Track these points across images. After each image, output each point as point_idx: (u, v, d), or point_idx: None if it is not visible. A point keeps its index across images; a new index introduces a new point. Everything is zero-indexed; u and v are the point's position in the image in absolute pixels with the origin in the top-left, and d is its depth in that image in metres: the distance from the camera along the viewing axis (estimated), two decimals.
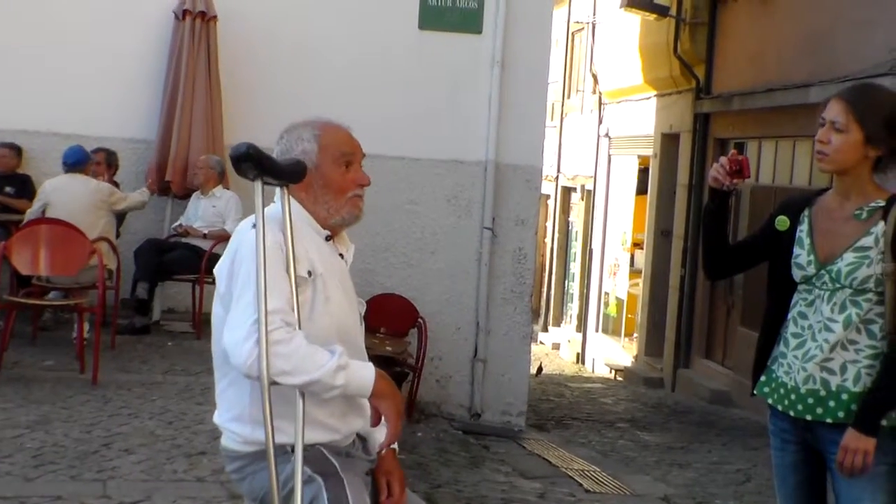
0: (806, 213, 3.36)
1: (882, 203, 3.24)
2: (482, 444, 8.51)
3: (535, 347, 15.91)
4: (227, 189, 8.68)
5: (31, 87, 8.91)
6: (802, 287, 3.32)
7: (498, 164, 9.32)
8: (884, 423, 3.18)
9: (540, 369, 13.76)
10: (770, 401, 3.39)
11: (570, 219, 21.54)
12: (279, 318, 2.68)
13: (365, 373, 2.78)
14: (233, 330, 2.72)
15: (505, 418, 9.46)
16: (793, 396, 3.30)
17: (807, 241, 3.32)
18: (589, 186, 19.48)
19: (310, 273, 2.82)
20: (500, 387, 9.47)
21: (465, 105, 9.32)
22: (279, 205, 2.82)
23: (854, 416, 3.18)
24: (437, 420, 8.94)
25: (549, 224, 21.98)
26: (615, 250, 18.19)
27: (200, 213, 8.64)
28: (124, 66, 9.04)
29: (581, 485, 7.57)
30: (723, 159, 3.37)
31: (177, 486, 4.89)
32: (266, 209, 2.81)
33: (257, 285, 2.68)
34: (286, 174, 2.79)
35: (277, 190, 2.82)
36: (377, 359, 7.81)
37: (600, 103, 18.72)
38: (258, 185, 2.75)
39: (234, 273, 2.79)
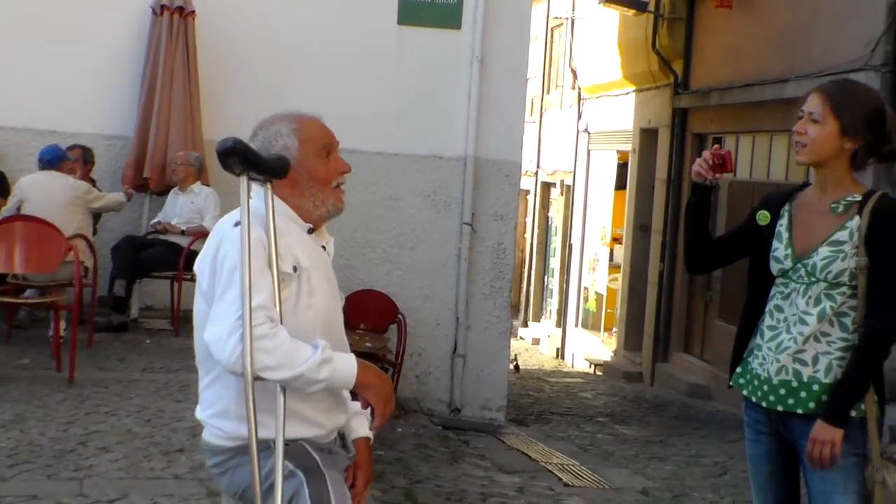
0: (786, 207, 3.40)
1: (859, 197, 3.28)
2: (462, 440, 8.52)
3: (514, 343, 15.94)
4: (206, 185, 8.64)
5: (5, 82, 8.85)
6: (780, 280, 3.35)
7: (477, 160, 9.32)
8: (853, 414, 3.22)
9: (517, 367, 13.73)
10: (745, 392, 3.43)
11: (550, 214, 21.56)
12: (263, 313, 2.70)
13: (348, 365, 2.80)
14: (216, 325, 2.73)
15: (484, 413, 9.48)
16: (765, 388, 3.33)
17: (785, 235, 3.35)
18: (568, 181, 19.51)
19: (295, 268, 2.84)
20: (480, 382, 9.49)
21: (444, 100, 9.32)
22: (260, 201, 2.82)
23: (823, 408, 3.21)
24: (416, 415, 8.94)
25: (529, 219, 22.01)
26: (594, 245, 18.23)
27: (178, 209, 8.61)
28: (101, 62, 8.99)
29: (560, 479, 7.59)
30: (706, 153, 3.40)
31: (154, 484, 4.87)
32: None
33: (242, 281, 2.69)
34: (271, 169, 2.79)
35: (255, 185, 2.82)
36: (357, 355, 7.82)
37: (579, 99, 18.75)
38: (244, 180, 2.75)
39: (216, 269, 2.80)
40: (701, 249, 3.54)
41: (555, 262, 20.60)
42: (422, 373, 9.36)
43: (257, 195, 2.84)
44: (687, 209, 3.52)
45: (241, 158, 2.72)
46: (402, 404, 8.98)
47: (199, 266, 2.88)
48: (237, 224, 2.77)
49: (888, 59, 9.54)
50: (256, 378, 2.69)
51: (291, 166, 2.85)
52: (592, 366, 16.61)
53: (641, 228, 15.79)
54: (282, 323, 2.75)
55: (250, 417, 2.72)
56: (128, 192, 8.65)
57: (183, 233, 8.43)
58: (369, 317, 8.99)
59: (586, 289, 18.51)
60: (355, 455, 3.01)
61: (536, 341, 20.31)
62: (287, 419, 2.79)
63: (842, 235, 3.25)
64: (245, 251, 2.70)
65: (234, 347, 2.68)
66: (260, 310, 2.69)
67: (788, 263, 3.32)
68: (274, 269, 2.76)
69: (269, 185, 2.81)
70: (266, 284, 2.74)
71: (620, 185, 17.07)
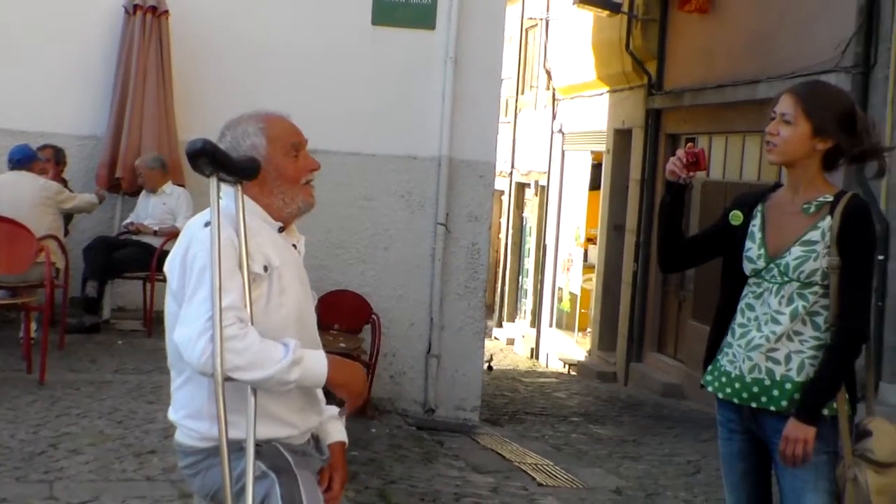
0: (759, 207, 3.42)
1: (830, 198, 3.31)
2: (436, 440, 8.51)
3: (489, 343, 15.96)
4: (179, 185, 8.60)
5: None
6: (752, 280, 3.38)
7: (451, 160, 9.32)
8: (825, 412, 3.24)
9: (489, 367, 13.73)
10: (711, 388, 3.45)
11: (524, 214, 21.60)
12: (233, 314, 2.69)
13: (318, 364, 2.80)
14: (186, 326, 2.72)
15: (459, 413, 9.48)
16: (737, 385, 3.35)
17: (758, 235, 3.38)
18: (543, 182, 19.55)
19: (266, 268, 2.83)
20: (454, 382, 9.48)
21: (418, 101, 9.31)
22: (230, 201, 2.81)
23: (796, 406, 3.23)
24: (390, 416, 8.92)
25: (503, 220, 22.03)
26: (569, 245, 18.27)
27: (151, 210, 8.56)
28: (73, 62, 8.93)
29: (534, 478, 7.60)
30: (679, 152, 3.42)
31: (126, 486, 4.84)
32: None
33: (212, 282, 2.68)
34: (241, 171, 2.78)
35: (225, 186, 2.81)
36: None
37: (554, 99, 18.79)
38: (213, 181, 2.75)
39: (186, 270, 2.79)
40: (674, 248, 3.56)
41: (529, 263, 20.64)
42: (396, 373, 9.35)
43: (227, 195, 2.83)
44: (661, 208, 3.53)
45: (211, 159, 2.71)
46: (377, 405, 8.96)
47: (168, 267, 2.87)
48: (207, 224, 2.77)
49: (858, 61, 9.62)
50: (227, 379, 2.68)
51: (261, 166, 2.85)
52: (567, 366, 16.65)
53: (615, 229, 15.84)
54: (253, 323, 2.74)
55: (220, 418, 2.71)
56: (100, 193, 8.60)
57: (155, 233, 8.39)
58: (343, 317, 8.97)
59: (560, 289, 18.55)
60: (330, 458, 3.00)
61: (511, 341, 20.34)
62: (260, 419, 2.79)
63: (814, 235, 3.28)
64: (215, 252, 2.69)
65: (203, 348, 2.67)
66: (230, 310, 2.68)
67: (761, 263, 3.34)
68: (244, 269, 2.75)
69: (239, 187, 2.80)
70: (236, 285, 2.73)
71: (594, 185, 17.13)
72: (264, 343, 2.72)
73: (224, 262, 2.70)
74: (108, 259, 8.28)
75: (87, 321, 8.14)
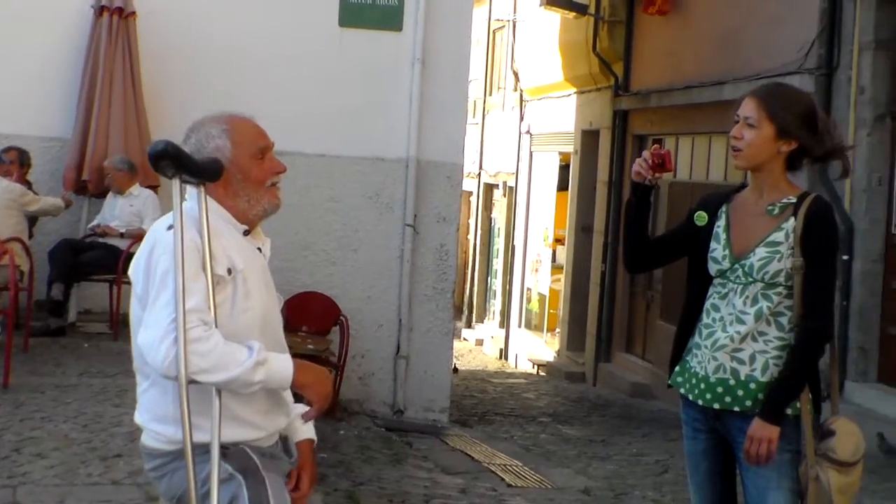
0: (724, 208, 3.45)
1: (793, 199, 3.34)
2: (405, 441, 8.51)
3: (458, 344, 15.97)
4: (147, 187, 8.54)
5: None
6: (717, 281, 3.40)
7: (419, 162, 9.32)
8: (788, 412, 3.27)
9: (455, 369, 13.68)
10: (682, 390, 3.47)
11: (493, 215, 21.63)
12: (197, 317, 2.69)
13: (283, 366, 2.80)
14: (149, 330, 2.72)
15: (428, 415, 9.48)
16: (703, 386, 3.38)
17: (723, 236, 3.40)
18: (511, 183, 19.58)
19: (229, 271, 2.83)
20: (423, 383, 9.49)
21: (385, 102, 9.31)
22: (194, 203, 2.80)
23: (760, 405, 3.26)
24: (359, 417, 8.92)
25: (472, 221, 22.05)
26: (537, 246, 18.31)
27: (117, 212, 8.50)
28: (39, 63, 8.86)
29: (503, 479, 7.62)
30: (646, 153, 3.44)
31: (92, 490, 4.80)
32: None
33: (175, 284, 2.67)
34: (204, 172, 2.78)
35: (190, 188, 2.80)
36: (299, 358, 7.78)
37: (521, 100, 18.83)
38: (176, 182, 2.74)
39: (149, 273, 2.78)
40: (640, 249, 3.58)
41: (498, 264, 20.66)
42: (364, 374, 9.34)
43: (192, 197, 2.82)
44: (626, 208, 3.55)
45: (173, 161, 2.70)
46: (345, 406, 8.96)
47: (132, 270, 2.86)
48: (170, 227, 2.76)
49: (821, 63, 9.71)
50: (191, 381, 2.68)
51: (225, 167, 2.84)
52: (536, 366, 16.69)
53: (584, 229, 15.89)
54: (217, 326, 2.73)
55: (184, 421, 2.71)
56: (66, 198, 8.53)
57: (122, 235, 8.33)
58: (312, 319, 8.95)
59: (529, 290, 18.59)
60: (298, 456, 3.00)
61: (480, 342, 20.35)
62: (226, 422, 2.78)
63: (778, 236, 3.31)
64: (178, 254, 2.69)
65: (167, 351, 2.66)
66: (193, 313, 2.68)
67: (726, 264, 3.37)
68: (208, 271, 2.75)
69: (202, 189, 2.79)
70: (200, 287, 2.73)
71: (563, 186, 17.18)
72: (228, 345, 2.72)
73: (187, 265, 2.69)
74: (74, 262, 8.22)
75: (53, 324, 8.07)
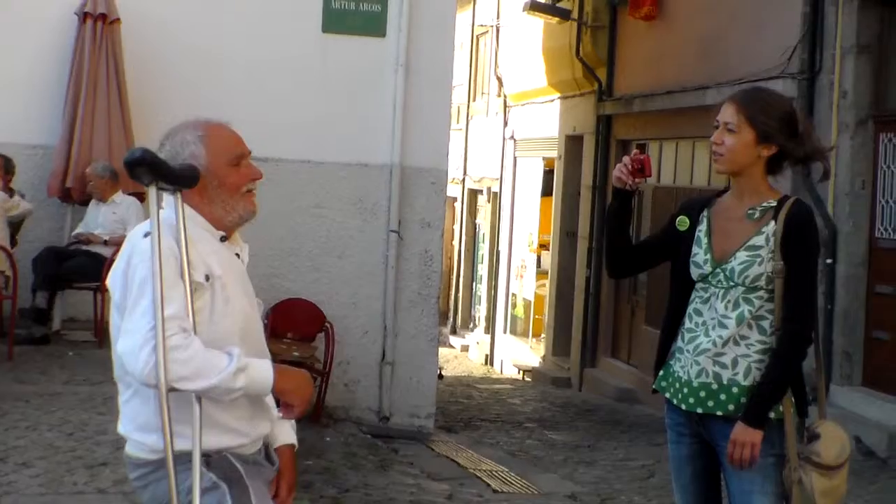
0: (705, 213, 3.46)
1: (774, 203, 3.35)
2: (391, 448, 8.50)
3: (443, 350, 15.95)
4: (130, 195, 8.51)
5: None
6: (699, 285, 3.42)
7: (403, 167, 9.32)
8: (771, 415, 3.29)
9: (440, 375, 13.67)
10: (667, 395, 3.48)
11: (477, 221, 21.64)
12: (176, 324, 2.68)
13: (263, 371, 2.79)
14: (128, 338, 2.71)
15: (413, 421, 9.47)
16: (685, 390, 3.39)
17: (705, 240, 3.41)
18: (495, 188, 19.60)
19: (207, 277, 2.82)
20: (409, 389, 9.47)
21: (369, 108, 9.30)
22: (171, 210, 2.80)
23: (743, 409, 3.27)
24: (345, 424, 8.90)
25: (456, 226, 22.07)
26: (522, 252, 18.33)
27: (100, 220, 8.47)
28: (23, 71, 8.83)
29: (489, 485, 7.62)
30: (626, 159, 3.46)
31: (77, 499, 4.79)
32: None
33: (154, 292, 2.67)
34: (180, 179, 2.78)
35: (167, 195, 2.80)
36: (285, 364, 7.77)
37: (505, 106, 18.86)
38: (153, 190, 2.74)
39: (127, 281, 2.77)
40: (622, 253, 3.59)
41: (483, 269, 20.67)
42: (350, 381, 9.33)
43: (169, 204, 2.82)
44: (608, 213, 3.57)
45: (150, 169, 2.71)
46: (331, 413, 8.94)
47: (111, 279, 2.85)
48: (147, 235, 2.76)
49: (804, 67, 9.77)
50: (171, 389, 2.67)
51: (201, 174, 2.84)
52: (521, 372, 16.69)
53: (568, 235, 15.92)
54: (196, 333, 2.73)
55: (165, 429, 2.70)
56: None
57: (105, 243, 8.30)
58: (296, 325, 8.93)
59: (514, 295, 18.60)
60: (278, 462, 3.00)
61: (465, 348, 20.36)
62: (209, 429, 2.78)
63: (758, 240, 3.32)
64: (156, 262, 2.68)
65: (146, 359, 2.65)
66: (172, 320, 2.67)
67: (708, 268, 3.38)
68: (186, 278, 2.74)
69: (179, 196, 2.79)
70: (178, 294, 2.72)
71: (547, 191, 17.21)
72: (208, 352, 2.71)
73: (165, 272, 2.69)
74: (58, 269, 8.19)
75: (37, 332, 8.03)
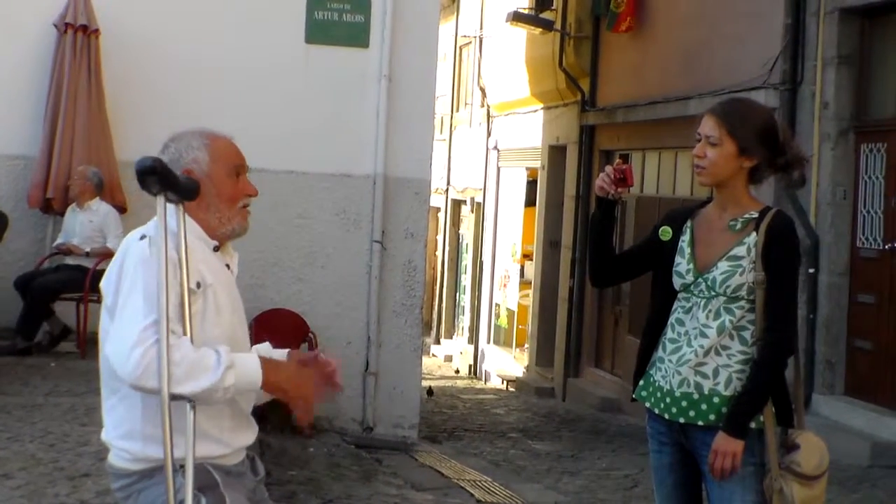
0: (688, 224, 3.48)
1: (755, 214, 3.37)
2: (375, 458, 8.48)
3: (427, 360, 15.95)
4: (114, 207, 8.48)
5: None
6: (682, 295, 3.43)
7: (387, 178, 9.32)
8: (752, 425, 3.30)
9: (430, 391, 13.67)
10: (647, 404, 3.50)
11: (461, 231, 21.67)
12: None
13: (251, 366, 2.78)
14: (117, 340, 2.70)
15: (397, 431, 9.45)
16: (668, 400, 3.40)
17: (687, 250, 3.43)
18: (479, 199, 19.63)
19: (199, 285, 2.82)
20: (392, 400, 9.46)
21: (352, 119, 9.30)
22: (171, 219, 2.80)
23: (724, 419, 3.28)
24: (329, 435, 8.87)
25: (440, 236, 22.09)
26: (505, 262, 18.36)
27: (78, 228, 8.41)
28: (2, 80, 8.79)
29: (473, 495, 7.61)
30: (608, 168, 3.48)
31: None
32: (149, 222, 2.82)
33: (158, 302, 2.67)
34: (185, 191, 2.79)
35: (158, 203, 2.79)
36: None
37: (489, 116, 18.90)
38: (161, 199, 2.75)
39: (120, 283, 2.77)
40: (604, 263, 3.60)
41: (466, 279, 20.69)
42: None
43: (168, 212, 2.82)
44: (591, 223, 3.59)
45: (160, 178, 2.72)
46: (314, 423, 8.90)
47: (104, 283, 2.85)
48: (143, 237, 2.78)
49: (786, 78, 9.83)
50: (172, 397, 2.66)
51: (199, 179, 2.86)
52: (505, 382, 16.70)
53: (551, 244, 15.95)
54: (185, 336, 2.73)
55: (167, 436, 2.68)
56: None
57: (87, 254, 8.26)
58: (280, 335, 8.85)
59: (498, 305, 18.62)
60: (289, 358, 2.98)
61: (449, 358, 20.35)
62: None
63: (740, 251, 3.34)
64: (162, 271, 2.69)
65: (137, 360, 2.63)
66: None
67: (690, 278, 3.40)
68: (185, 285, 2.74)
69: (181, 207, 2.81)
70: (170, 297, 2.72)
71: (530, 201, 17.24)
72: (197, 352, 2.71)
73: (157, 276, 2.70)
74: (45, 293, 8.17)
75: (20, 344, 8.00)
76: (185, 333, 2.73)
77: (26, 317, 8.09)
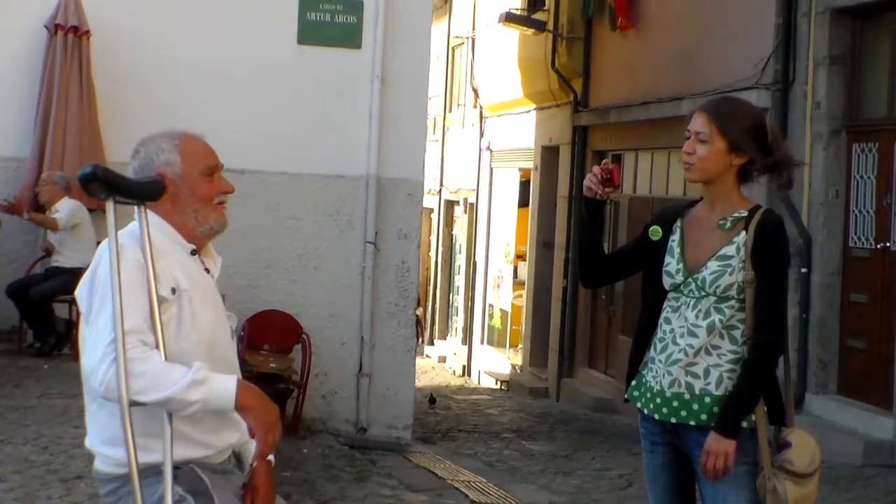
0: (678, 223, 3.48)
1: (745, 213, 3.37)
2: (369, 459, 8.48)
3: (420, 361, 15.94)
4: (90, 209, 8.46)
5: None
6: (671, 294, 3.43)
7: (379, 179, 9.32)
8: (744, 424, 3.30)
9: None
10: (639, 404, 3.50)
11: (454, 232, 21.67)
12: (135, 337, 2.68)
13: (226, 386, 2.75)
14: (89, 352, 2.71)
15: (391, 432, 9.45)
16: (658, 400, 3.40)
17: (677, 250, 3.43)
18: (472, 199, 19.63)
19: (173, 290, 2.81)
20: (386, 401, 9.46)
21: (345, 120, 9.30)
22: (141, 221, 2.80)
23: (716, 419, 3.29)
24: (323, 436, 8.87)
25: (433, 237, 22.08)
26: (499, 262, 18.36)
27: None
28: None
29: (467, 496, 7.60)
30: (595, 168, 3.48)
31: None
32: (129, 227, 2.82)
33: (113, 306, 2.66)
34: (140, 192, 2.78)
35: (108, 207, 2.79)
36: (262, 376, 7.75)
37: (481, 117, 18.90)
38: (110, 204, 2.74)
39: (93, 292, 2.77)
40: (594, 263, 3.60)
41: (459, 280, 20.69)
42: (327, 392, 9.30)
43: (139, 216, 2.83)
44: (580, 223, 3.58)
45: (103, 184, 2.72)
46: (308, 425, 8.91)
47: (79, 293, 2.85)
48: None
49: (778, 78, 9.85)
50: (131, 403, 2.66)
51: (173, 182, 2.86)
52: (499, 382, 16.70)
53: (545, 245, 15.96)
54: (162, 346, 2.72)
55: (129, 443, 2.69)
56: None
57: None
58: (273, 337, 8.90)
59: (491, 306, 18.62)
60: (252, 477, 2.92)
61: (443, 359, 20.35)
62: (174, 441, 2.76)
63: (729, 250, 3.34)
64: (115, 276, 2.68)
65: (104, 373, 2.65)
66: (132, 334, 2.67)
67: (680, 278, 3.40)
68: (152, 291, 2.73)
69: (142, 208, 2.80)
70: (140, 307, 2.71)
71: (523, 202, 17.25)
72: (166, 365, 2.70)
73: (129, 285, 2.69)
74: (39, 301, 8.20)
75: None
76: (157, 344, 2.72)
77: (32, 322, 8.15)
